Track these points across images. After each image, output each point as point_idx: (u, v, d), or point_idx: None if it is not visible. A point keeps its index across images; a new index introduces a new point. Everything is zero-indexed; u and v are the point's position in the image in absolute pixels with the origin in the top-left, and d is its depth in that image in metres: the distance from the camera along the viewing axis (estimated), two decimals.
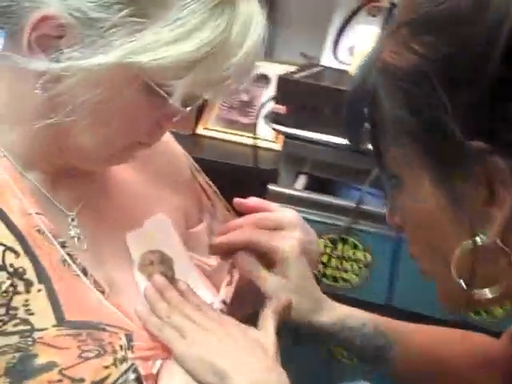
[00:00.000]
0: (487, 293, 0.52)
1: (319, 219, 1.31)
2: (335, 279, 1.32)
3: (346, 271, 1.31)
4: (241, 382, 0.66)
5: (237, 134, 1.76)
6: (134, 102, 0.66)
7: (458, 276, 0.52)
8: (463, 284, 0.52)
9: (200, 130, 1.80)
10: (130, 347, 0.68)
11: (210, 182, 0.95)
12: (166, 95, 0.64)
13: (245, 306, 0.87)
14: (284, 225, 0.87)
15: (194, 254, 0.89)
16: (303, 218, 1.28)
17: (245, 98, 1.84)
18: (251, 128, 1.62)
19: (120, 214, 0.78)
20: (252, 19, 0.67)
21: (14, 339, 0.63)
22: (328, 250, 1.31)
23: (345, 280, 1.32)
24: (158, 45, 0.62)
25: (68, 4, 0.61)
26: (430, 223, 0.53)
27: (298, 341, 1.17)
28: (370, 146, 0.56)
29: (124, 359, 0.67)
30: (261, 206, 0.89)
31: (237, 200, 0.90)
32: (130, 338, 0.69)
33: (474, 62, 0.46)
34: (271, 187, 1.30)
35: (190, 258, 0.84)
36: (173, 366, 0.71)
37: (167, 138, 0.90)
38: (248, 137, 1.65)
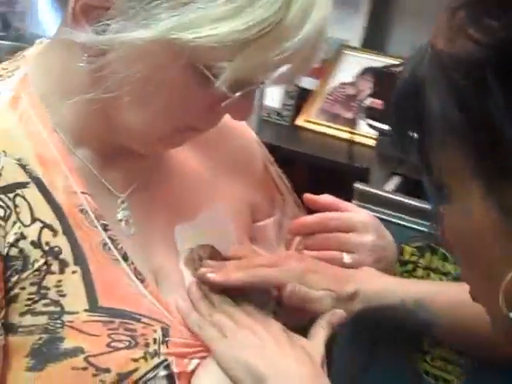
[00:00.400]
0: None
1: (407, 224, 1.22)
2: None
3: None
4: None
5: (337, 129, 1.71)
6: (178, 82, 0.61)
7: (507, 306, 0.46)
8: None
9: (300, 122, 1.76)
10: (165, 342, 0.66)
11: (283, 175, 0.90)
12: (212, 77, 0.60)
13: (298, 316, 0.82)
14: (356, 226, 0.82)
15: (257, 249, 0.85)
16: (389, 221, 1.21)
17: (351, 91, 1.77)
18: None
19: (175, 201, 0.75)
20: (315, 0, 0.61)
21: (43, 320, 0.62)
22: (414, 259, 1.22)
23: None
24: (205, 21, 0.57)
25: None
26: (479, 241, 0.47)
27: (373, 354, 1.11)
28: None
29: (156, 354, 0.65)
30: (333, 204, 0.84)
31: (308, 196, 0.85)
32: (166, 333, 0.66)
33: None
34: (357, 186, 1.23)
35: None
36: (211, 366, 0.68)
37: (241, 123, 0.86)
38: (347, 131, 1.58)
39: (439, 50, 0.45)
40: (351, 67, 1.77)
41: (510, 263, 0.45)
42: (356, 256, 0.81)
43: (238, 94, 0.62)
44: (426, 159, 0.48)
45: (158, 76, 0.61)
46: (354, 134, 1.43)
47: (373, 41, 1.83)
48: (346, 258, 0.81)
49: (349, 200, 0.94)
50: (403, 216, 1.23)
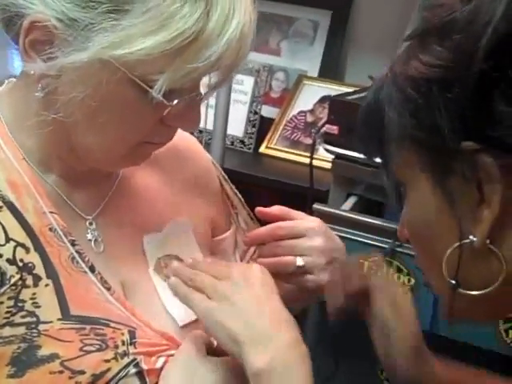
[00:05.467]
0: (475, 293, 0.53)
1: (364, 241, 1.30)
2: None
3: None
4: (258, 357, 0.65)
5: (297, 154, 1.78)
6: (120, 97, 0.67)
7: (448, 275, 0.54)
8: (453, 282, 0.54)
9: (262, 149, 1.83)
10: (133, 343, 0.71)
11: (236, 191, 0.97)
12: (148, 88, 0.65)
13: None
14: (305, 232, 0.88)
15: (217, 261, 0.91)
16: (347, 238, 1.28)
17: (309, 118, 1.86)
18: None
19: (141, 219, 0.82)
20: (235, 6, 0.65)
21: (21, 330, 0.67)
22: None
23: None
24: (133, 38, 0.63)
25: (51, 8, 0.64)
26: (429, 227, 0.55)
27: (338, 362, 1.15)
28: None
29: (125, 354, 0.70)
30: (283, 213, 0.90)
31: (259, 209, 0.91)
32: (132, 335, 0.72)
33: (462, 62, 0.49)
34: (316, 206, 1.30)
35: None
36: (178, 361, 0.72)
37: (196, 145, 0.93)
38: (307, 156, 1.66)
39: (396, 72, 0.54)
40: (310, 96, 1.86)
41: (450, 241, 0.53)
42: (308, 258, 0.87)
43: (175, 102, 0.68)
44: (386, 162, 0.58)
45: (100, 93, 0.66)
46: (314, 158, 1.51)
47: (330, 71, 1.91)
48: (299, 260, 0.87)
49: None
50: (360, 233, 1.31)
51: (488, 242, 0.52)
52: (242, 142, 1.87)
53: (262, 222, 0.94)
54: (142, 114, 0.69)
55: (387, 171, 0.59)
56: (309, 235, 0.88)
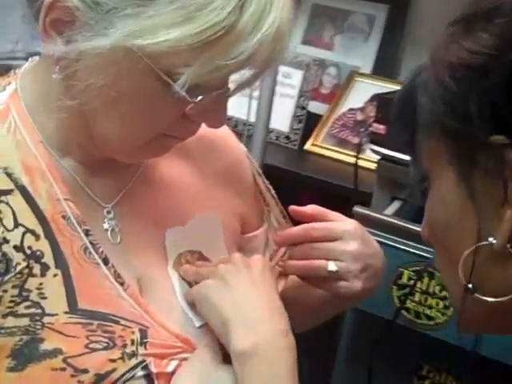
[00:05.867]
0: (490, 299, 0.51)
1: (406, 248, 1.23)
2: (417, 314, 1.23)
3: (430, 308, 1.21)
4: (244, 339, 0.65)
5: (343, 153, 1.72)
6: (141, 89, 0.63)
7: (464, 277, 0.52)
8: (469, 286, 0.52)
9: (308, 146, 1.77)
10: (143, 343, 0.67)
11: (270, 187, 0.91)
12: (171, 82, 0.61)
13: None
14: (341, 235, 0.81)
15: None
16: (388, 245, 1.21)
17: (359, 117, 1.79)
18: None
19: (164, 211, 0.77)
20: (272, 1, 0.60)
21: (24, 321, 0.64)
22: (411, 283, 1.22)
23: (428, 317, 1.22)
24: (158, 28, 0.58)
25: None
26: (449, 225, 0.53)
27: None
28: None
29: (134, 355, 0.66)
30: (319, 214, 0.84)
31: (294, 207, 0.85)
32: (144, 334, 0.67)
33: (503, 49, 0.48)
34: (357, 209, 1.23)
35: None
36: (192, 367, 0.68)
37: (230, 136, 0.88)
38: (353, 156, 1.59)
39: (435, 57, 0.53)
40: (361, 93, 1.79)
41: (469, 242, 0.51)
42: (342, 264, 0.81)
43: (199, 98, 0.63)
44: (414, 151, 0.56)
45: (120, 83, 0.62)
46: (360, 158, 1.44)
47: (384, 68, 1.84)
48: (331, 265, 0.81)
49: None
50: (402, 240, 1.23)
51: (509, 245, 0.49)
52: (287, 137, 1.81)
53: (296, 221, 0.88)
54: (163, 108, 0.64)
55: (415, 162, 0.58)
56: (344, 239, 0.82)
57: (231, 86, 0.67)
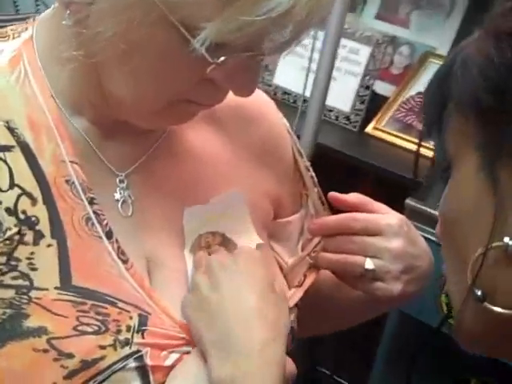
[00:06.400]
0: (500, 310, 0.45)
1: None
2: None
3: None
4: (220, 366, 0.59)
5: (406, 140, 1.60)
6: (158, 44, 0.55)
7: (474, 285, 0.46)
8: (478, 293, 0.45)
9: (369, 129, 1.66)
10: (141, 331, 0.60)
11: (310, 168, 0.82)
12: (188, 36, 0.52)
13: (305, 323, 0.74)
14: (383, 230, 0.73)
15: (275, 247, 0.78)
16: (439, 245, 1.10)
17: None
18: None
19: (185, 185, 0.69)
20: None
21: (9, 293, 0.57)
22: None
23: None
24: None
25: None
26: (464, 219, 0.48)
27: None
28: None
29: (127, 343, 0.59)
30: (361, 204, 0.75)
31: (333, 194, 0.77)
32: (143, 321, 0.60)
33: None
34: (409, 201, 1.13)
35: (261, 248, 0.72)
36: (190, 365, 0.61)
37: (270, 108, 0.79)
38: (416, 144, 1.47)
39: (486, 29, 0.48)
40: None
41: (482, 241, 0.45)
42: (380, 262, 0.72)
43: (221, 59, 0.54)
44: (442, 131, 0.50)
45: (131, 34, 0.54)
46: (422, 146, 1.32)
47: None
48: (369, 263, 0.73)
49: None
50: None
51: None
52: (348, 118, 1.69)
53: (336, 210, 0.79)
54: (181, 66, 0.56)
55: (440, 143, 0.52)
56: (386, 234, 0.73)
57: (266, 50, 0.58)
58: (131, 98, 0.59)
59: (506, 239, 0.44)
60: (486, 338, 0.49)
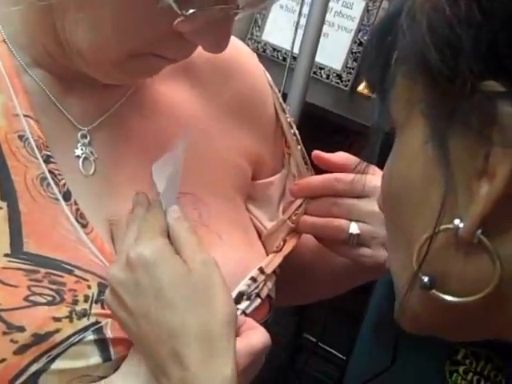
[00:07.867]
0: (449, 298, 0.40)
1: None
2: None
3: None
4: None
5: None
6: None
7: (421, 271, 0.41)
8: (425, 280, 0.41)
9: (361, 88, 1.60)
10: (100, 301, 0.55)
11: (293, 125, 0.76)
12: None
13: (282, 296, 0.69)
14: (370, 192, 0.68)
15: (254, 210, 0.73)
16: None
17: None
18: None
19: (152, 142, 0.63)
20: None
21: None
22: None
23: None
24: None
25: None
26: (408, 196, 0.42)
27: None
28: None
29: (85, 314, 0.54)
30: (347, 163, 0.70)
31: (317, 152, 0.71)
32: (103, 290, 0.55)
33: None
34: None
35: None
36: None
37: (249, 58, 0.73)
38: None
39: None
40: None
41: (429, 223, 0.40)
42: (365, 226, 0.68)
43: (190, 11, 0.49)
44: (385, 92, 0.44)
45: None
46: None
47: None
48: (353, 227, 0.68)
49: None
50: None
51: (479, 231, 0.39)
52: (339, 76, 1.63)
53: (320, 170, 0.74)
54: (146, 17, 0.51)
55: (382, 110, 0.45)
56: (373, 197, 0.68)
57: (240, 2, 0.52)
58: (88, 46, 0.53)
59: (457, 221, 0.39)
60: (431, 324, 0.45)
